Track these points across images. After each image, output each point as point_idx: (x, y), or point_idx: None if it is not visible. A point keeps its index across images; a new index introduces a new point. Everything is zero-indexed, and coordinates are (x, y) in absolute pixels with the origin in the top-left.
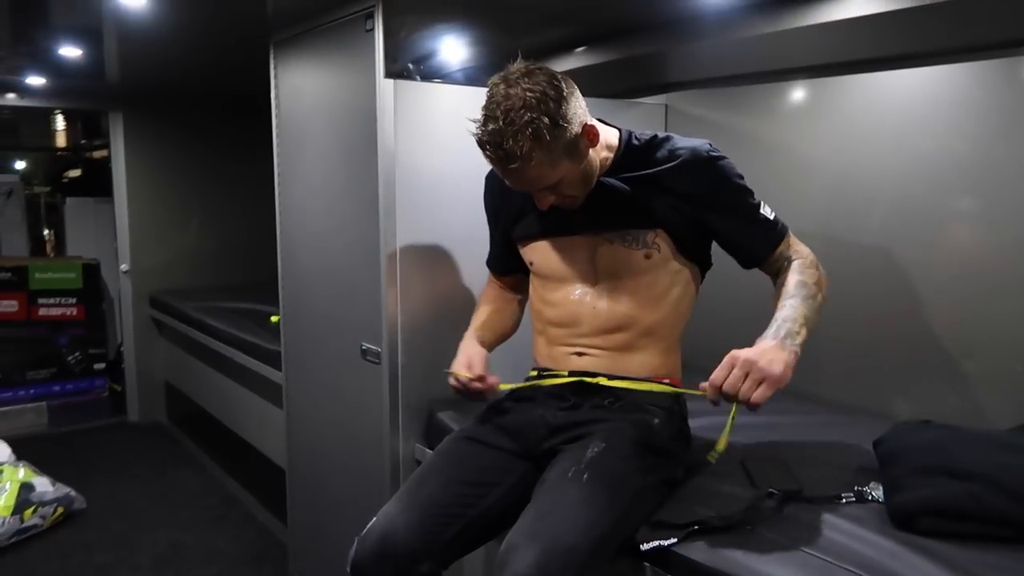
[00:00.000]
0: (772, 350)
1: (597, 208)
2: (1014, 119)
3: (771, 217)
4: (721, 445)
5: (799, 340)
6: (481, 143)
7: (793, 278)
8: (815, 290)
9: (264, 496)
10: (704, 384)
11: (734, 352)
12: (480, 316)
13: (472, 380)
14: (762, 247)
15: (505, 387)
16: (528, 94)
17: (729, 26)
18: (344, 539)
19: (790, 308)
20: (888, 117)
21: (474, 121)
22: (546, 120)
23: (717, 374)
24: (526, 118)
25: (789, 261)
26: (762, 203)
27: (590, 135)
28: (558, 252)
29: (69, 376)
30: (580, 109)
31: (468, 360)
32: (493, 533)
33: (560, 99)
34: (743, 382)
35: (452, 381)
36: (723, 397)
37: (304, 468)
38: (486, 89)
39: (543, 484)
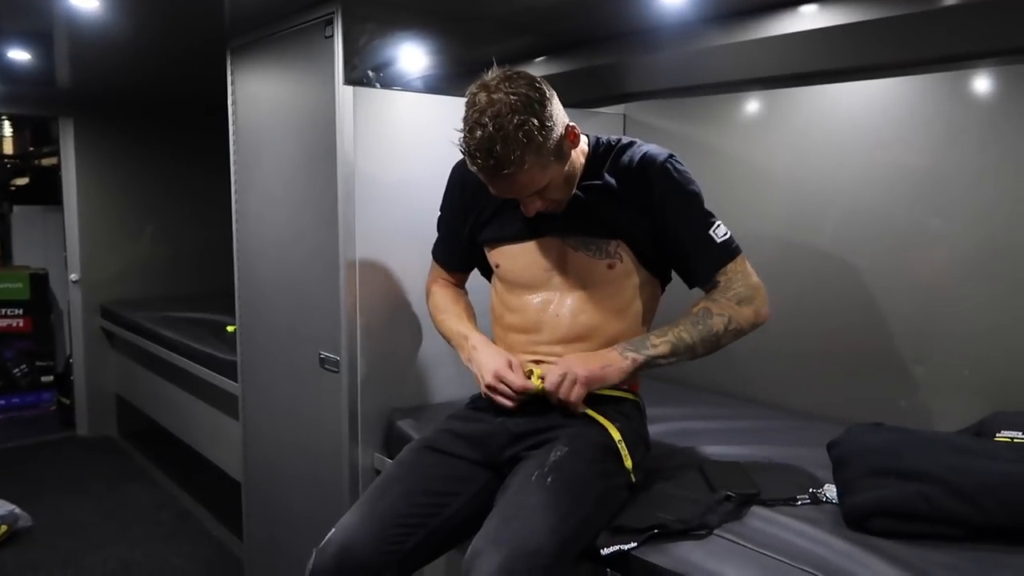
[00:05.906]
0: (603, 355)
1: (565, 215)
2: (957, 130)
3: (720, 240)
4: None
5: (650, 352)
6: (470, 152)
7: (703, 303)
8: (719, 323)
9: (219, 510)
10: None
11: (568, 361)
12: (461, 314)
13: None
14: (702, 268)
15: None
16: (513, 98)
17: (686, 38)
18: (302, 553)
19: (669, 327)
20: (840, 128)
21: (458, 131)
22: (535, 122)
23: (551, 379)
24: (516, 121)
25: (717, 286)
26: (717, 223)
27: (572, 136)
28: (525, 257)
29: (15, 390)
30: (560, 110)
31: (506, 363)
32: (454, 543)
33: (543, 101)
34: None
35: (504, 392)
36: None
37: (260, 480)
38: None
39: (506, 489)
